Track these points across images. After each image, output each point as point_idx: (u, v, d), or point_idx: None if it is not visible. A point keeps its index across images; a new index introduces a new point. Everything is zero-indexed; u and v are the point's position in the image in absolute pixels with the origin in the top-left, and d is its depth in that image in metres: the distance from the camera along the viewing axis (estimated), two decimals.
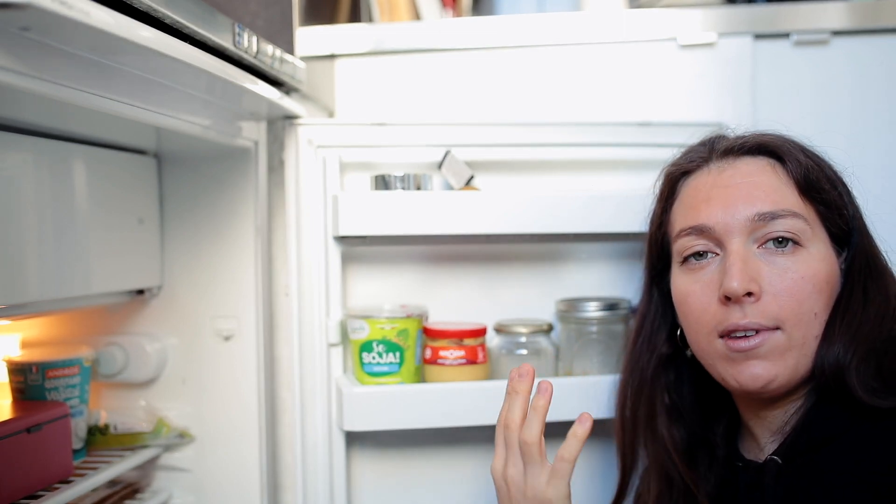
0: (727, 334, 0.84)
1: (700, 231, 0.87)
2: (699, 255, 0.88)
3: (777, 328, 0.82)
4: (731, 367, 0.85)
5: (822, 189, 0.86)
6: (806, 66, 1.29)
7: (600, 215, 1.14)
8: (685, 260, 0.90)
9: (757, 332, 0.82)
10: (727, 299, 0.83)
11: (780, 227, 0.84)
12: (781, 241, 0.84)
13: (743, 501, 0.89)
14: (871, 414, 0.79)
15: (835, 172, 0.89)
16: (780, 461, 0.84)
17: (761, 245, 0.85)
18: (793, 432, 0.85)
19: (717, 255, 0.87)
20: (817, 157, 0.89)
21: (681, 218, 0.91)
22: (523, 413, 0.86)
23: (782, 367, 0.82)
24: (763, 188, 0.86)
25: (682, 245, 0.90)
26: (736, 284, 0.82)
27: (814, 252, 0.84)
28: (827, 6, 1.27)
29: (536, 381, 1.15)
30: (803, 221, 0.84)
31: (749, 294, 0.82)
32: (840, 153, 0.90)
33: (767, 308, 0.82)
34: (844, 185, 0.89)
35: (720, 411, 0.98)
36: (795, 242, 0.84)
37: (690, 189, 0.92)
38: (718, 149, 0.92)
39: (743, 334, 0.83)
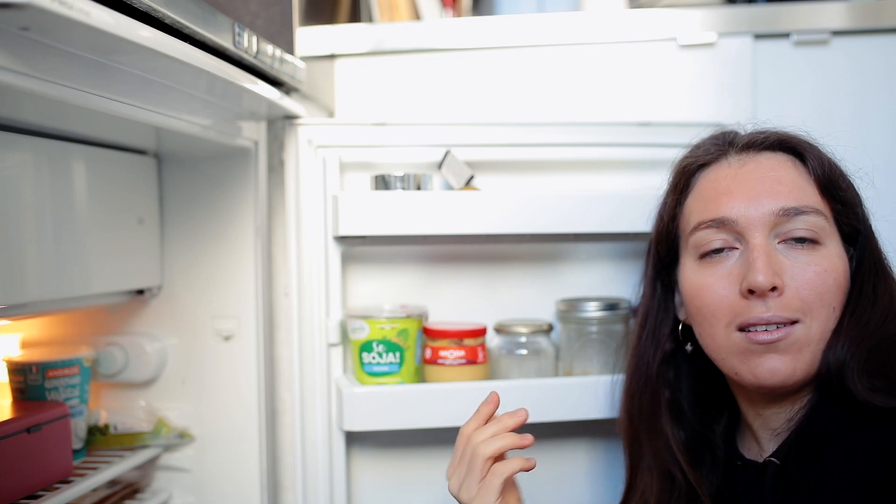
0: (747, 327, 0.83)
1: (721, 223, 0.86)
2: (717, 250, 0.87)
3: (796, 321, 0.82)
4: (749, 361, 0.84)
5: (840, 187, 0.87)
6: (806, 66, 1.29)
7: (600, 215, 1.14)
8: (702, 255, 0.88)
9: (777, 326, 0.82)
10: (750, 293, 0.82)
11: (803, 224, 0.84)
12: (801, 239, 0.84)
13: (742, 501, 0.88)
14: (873, 414, 0.78)
15: (847, 173, 0.89)
16: (778, 462, 0.84)
17: (782, 241, 0.84)
18: (793, 432, 0.84)
19: (736, 248, 0.86)
20: (832, 157, 0.90)
21: (698, 211, 0.90)
22: (478, 425, 0.91)
23: (800, 361, 0.82)
24: (786, 183, 0.86)
25: (699, 238, 0.88)
26: (762, 278, 0.81)
27: (831, 249, 0.85)
28: (827, 6, 1.27)
29: (538, 380, 1.15)
30: (824, 219, 0.85)
31: (773, 288, 0.81)
32: (854, 152, 0.90)
33: (790, 302, 0.82)
34: (855, 187, 0.89)
35: (719, 409, 0.97)
36: (815, 240, 0.84)
37: (708, 182, 0.91)
38: (738, 143, 0.92)
39: (765, 328, 0.82)
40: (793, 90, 1.29)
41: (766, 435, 0.89)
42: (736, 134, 0.94)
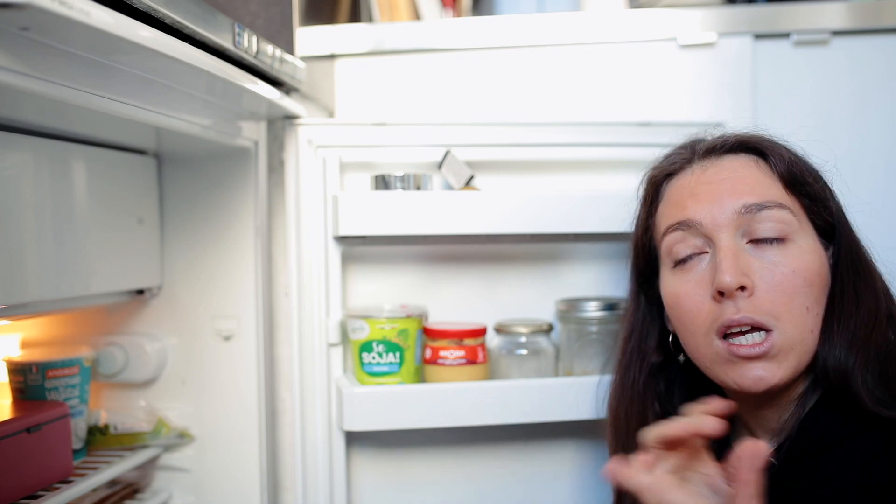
0: (725, 333, 0.83)
1: (687, 226, 0.87)
2: (687, 258, 0.88)
3: (771, 329, 0.82)
4: (733, 371, 0.84)
5: (806, 182, 0.87)
6: (806, 66, 1.29)
7: (600, 215, 1.14)
8: (675, 263, 0.89)
9: (753, 328, 0.82)
10: (720, 294, 0.83)
11: (767, 219, 0.84)
12: (769, 237, 0.84)
13: None
14: (873, 421, 0.78)
15: (815, 168, 0.90)
16: (776, 463, 0.84)
17: (750, 239, 0.85)
18: (792, 435, 0.84)
19: (706, 252, 0.87)
20: (798, 153, 0.90)
21: (666, 217, 0.91)
22: None
23: (785, 367, 0.82)
24: (748, 182, 0.86)
25: (669, 241, 0.89)
26: (729, 279, 0.81)
27: (802, 245, 0.84)
28: (827, 6, 1.27)
29: (538, 380, 1.15)
30: (789, 213, 0.85)
31: (742, 288, 0.82)
32: (825, 150, 0.90)
33: (760, 304, 0.82)
34: (825, 181, 0.89)
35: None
36: (783, 237, 0.84)
37: (675, 189, 0.92)
38: (700, 149, 0.92)
39: (738, 330, 0.82)
40: (793, 90, 1.29)
41: (763, 434, 0.89)
42: (702, 140, 0.95)
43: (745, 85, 1.29)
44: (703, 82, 1.30)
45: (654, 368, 0.98)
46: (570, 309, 1.20)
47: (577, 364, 1.19)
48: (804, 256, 0.84)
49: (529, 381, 1.15)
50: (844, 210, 0.89)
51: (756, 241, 0.84)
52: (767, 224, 0.84)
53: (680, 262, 0.88)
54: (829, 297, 0.84)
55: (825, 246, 0.87)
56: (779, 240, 0.84)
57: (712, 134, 0.95)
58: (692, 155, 0.93)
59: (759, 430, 0.90)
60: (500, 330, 1.19)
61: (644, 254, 0.96)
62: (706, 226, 0.86)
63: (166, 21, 0.76)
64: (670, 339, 0.95)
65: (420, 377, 1.17)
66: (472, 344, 1.14)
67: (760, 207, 0.84)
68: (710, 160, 0.91)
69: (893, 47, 1.28)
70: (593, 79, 1.32)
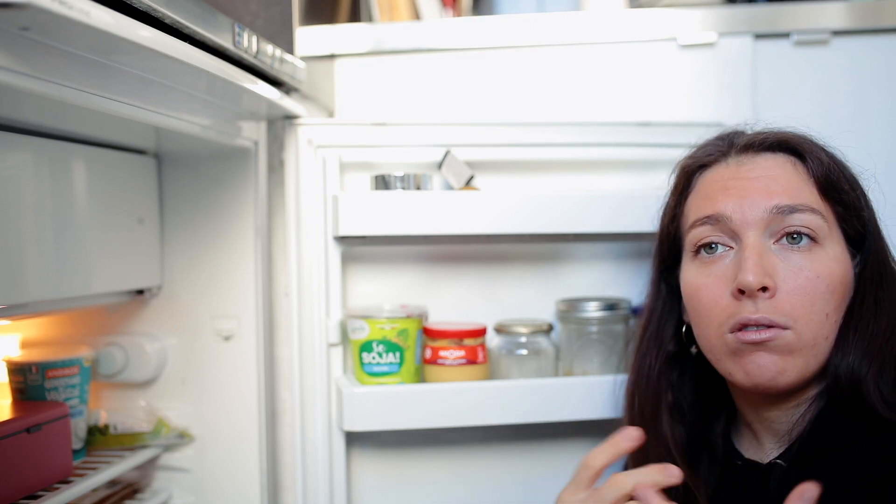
0: (738, 329, 0.83)
1: (716, 220, 0.86)
2: (711, 247, 0.87)
3: (787, 328, 0.81)
4: (740, 360, 0.83)
5: (841, 190, 0.86)
6: (806, 66, 1.29)
7: (600, 215, 1.14)
8: (697, 251, 0.88)
9: (768, 327, 0.81)
10: (741, 293, 0.82)
11: (798, 222, 0.83)
12: (797, 237, 0.83)
13: (741, 501, 0.88)
14: (882, 426, 0.78)
15: (853, 175, 0.89)
16: (784, 465, 0.84)
17: (777, 240, 0.84)
18: (800, 438, 0.84)
19: (731, 248, 0.86)
20: (837, 158, 0.89)
21: (695, 208, 0.90)
22: (607, 458, 0.83)
23: (791, 364, 0.82)
24: (782, 182, 0.85)
25: (695, 235, 0.89)
26: (751, 278, 0.80)
27: (829, 251, 0.84)
28: (827, 6, 1.27)
29: (539, 380, 1.15)
30: (821, 218, 0.84)
31: (764, 289, 0.81)
32: (860, 153, 0.89)
33: (780, 305, 0.81)
34: (861, 189, 0.89)
35: (720, 409, 0.97)
36: (812, 239, 0.83)
37: (707, 181, 0.91)
38: (738, 144, 0.91)
39: (755, 329, 0.82)
40: (793, 90, 1.29)
41: (768, 436, 0.89)
42: (738, 134, 0.93)
43: (745, 85, 1.29)
44: (703, 82, 1.30)
45: (669, 357, 0.97)
46: (570, 309, 1.20)
47: (577, 364, 1.19)
48: (829, 263, 0.83)
49: (529, 381, 1.15)
50: (878, 218, 0.88)
51: (783, 243, 0.84)
52: (797, 227, 0.83)
53: (703, 255, 0.88)
54: (849, 306, 0.84)
55: (852, 254, 0.86)
56: (806, 244, 0.83)
57: (752, 128, 0.94)
58: (729, 148, 0.91)
59: (763, 433, 0.90)
60: (500, 330, 1.19)
61: (669, 242, 0.96)
62: (735, 222, 0.85)
63: (166, 21, 0.76)
64: (684, 329, 0.95)
65: (420, 377, 1.17)
66: (472, 344, 1.14)
67: (792, 210, 0.83)
68: (746, 156, 0.90)
69: (893, 47, 1.28)
70: (593, 79, 1.32)
